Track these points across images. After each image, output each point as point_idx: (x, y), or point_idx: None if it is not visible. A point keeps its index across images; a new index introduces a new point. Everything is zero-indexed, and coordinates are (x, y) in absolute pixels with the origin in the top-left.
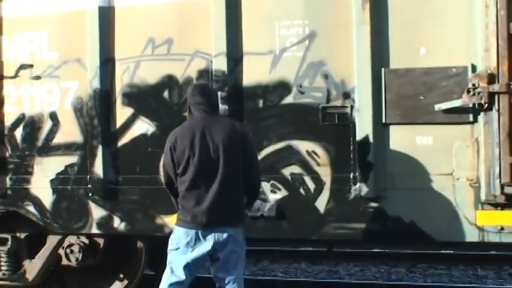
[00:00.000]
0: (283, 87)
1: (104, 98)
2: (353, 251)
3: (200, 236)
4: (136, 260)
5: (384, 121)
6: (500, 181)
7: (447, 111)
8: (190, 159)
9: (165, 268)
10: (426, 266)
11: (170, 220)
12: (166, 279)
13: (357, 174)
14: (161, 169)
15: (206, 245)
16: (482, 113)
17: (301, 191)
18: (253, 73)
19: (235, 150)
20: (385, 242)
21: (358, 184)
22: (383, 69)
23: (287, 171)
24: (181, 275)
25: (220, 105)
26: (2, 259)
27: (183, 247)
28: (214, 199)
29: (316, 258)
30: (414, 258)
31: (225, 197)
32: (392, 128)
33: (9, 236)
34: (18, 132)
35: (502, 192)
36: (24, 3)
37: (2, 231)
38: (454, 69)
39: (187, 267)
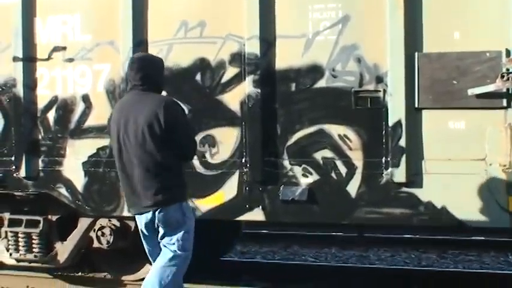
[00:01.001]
0: (315, 71)
1: None
2: (383, 236)
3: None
4: None
5: (416, 105)
6: None
7: (480, 96)
8: (116, 139)
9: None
10: (457, 252)
11: (200, 203)
12: None
13: (389, 159)
14: None
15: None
16: None
17: (333, 175)
18: (286, 56)
19: (157, 133)
20: (417, 227)
21: (390, 169)
22: (416, 53)
23: (319, 155)
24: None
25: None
26: (33, 241)
27: (141, 233)
28: (138, 182)
29: (347, 243)
30: (445, 244)
31: (149, 180)
32: (424, 113)
33: (41, 218)
34: (51, 115)
35: None
36: None
37: (34, 214)
38: (487, 54)
39: (148, 251)
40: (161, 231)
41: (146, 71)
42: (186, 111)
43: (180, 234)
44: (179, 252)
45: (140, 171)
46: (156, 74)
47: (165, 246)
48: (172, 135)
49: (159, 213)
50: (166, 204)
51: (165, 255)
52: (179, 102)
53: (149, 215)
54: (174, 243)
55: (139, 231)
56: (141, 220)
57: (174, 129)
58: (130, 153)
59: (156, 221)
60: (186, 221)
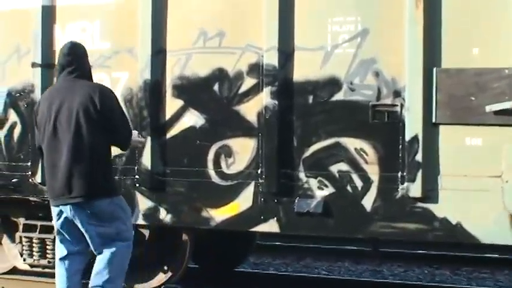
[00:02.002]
0: (333, 84)
1: (154, 89)
2: (397, 251)
3: (61, 210)
4: (181, 252)
5: (433, 121)
6: None
7: (498, 112)
8: (45, 126)
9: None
10: (471, 269)
11: (215, 213)
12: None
13: (405, 174)
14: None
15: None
16: None
17: (349, 188)
18: (304, 69)
19: (93, 118)
20: (431, 242)
21: (405, 183)
22: (435, 68)
23: (335, 168)
24: (62, 250)
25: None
26: (48, 247)
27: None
28: (66, 171)
29: (360, 257)
30: (458, 260)
31: (79, 168)
32: (442, 128)
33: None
34: None
35: None
36: None
37: (49, 219)
38: (506, 71)
39: (64, 241)
40: (92, 225)
41: (79, 57)
42: (204, 121)
43: (117, 225)
44: (120, 242)
45: (70, 159)
46: (86, 61)
47: (100, 238)
48: (108, 121)
49: (88, 205)
50: (100, 196)
51: (107, 248)
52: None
53: (75, 206)
54: (112, 235)
55: (56, 222)
56: (65, 211)
57: (110, 115)
58: (61, 141)
59: (85, 213)
60: (121, 212)
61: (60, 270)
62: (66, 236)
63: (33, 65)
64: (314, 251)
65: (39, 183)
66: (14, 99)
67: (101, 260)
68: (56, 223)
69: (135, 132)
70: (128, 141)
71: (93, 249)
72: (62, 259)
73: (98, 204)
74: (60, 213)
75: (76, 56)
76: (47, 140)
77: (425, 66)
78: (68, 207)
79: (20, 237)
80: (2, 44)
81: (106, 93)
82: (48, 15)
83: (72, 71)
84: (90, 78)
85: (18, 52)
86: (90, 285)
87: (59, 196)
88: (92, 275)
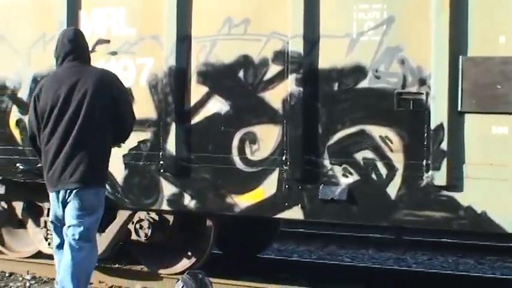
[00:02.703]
0: (358, 71)
1: (179, 76)
2: (421, 239)
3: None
4: (205, 238)
5: (459, 109)
6: None
7: None
8: (51, 112)
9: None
10: (495, 258)
11: (239, 200)
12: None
13: (429, 162)
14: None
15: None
16: None
17: (373, 176)
18: (330, 56)
19: (102, 104)
20: (456, 231)
21: (430, 172)
22: (461, 57)
23: (359, 156)
24: (60, 234)
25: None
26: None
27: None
28: (70, 156)
29: (384, 245)
30: (483, 250)
31: (82, 154)
32: (467, 117)
33: None
34: None
35: None
36: None
37: None
38: None
39: (58, 230)
40: (72, 213)
41: (81, 42)
42: (228, 108)
43: (90, 220)
44: (84, 243)
45: (75, 144)
46: (87, 46)
47: (71, 231)
48: (117, 108)
49: (78, 192)
50: (91, 184)
51: (72, 248)
52: None
53: (67, 192)
54: (81, 229)
55: (55, 205)
56: (60, 197)
57: (120, 102)
58: (68, 126)
59: (71, 200)
60: (99, 208)
61: (58, 258)
62: (59, 224)
63: None
64: (338, 238)
65: None
66: None
67: (68, 259)
68: (52, 210)
69: None
70: (130, 130)
71: (65, 236)
72: (58, 247)
73: (88, 193)
74: (57, 199)
75: (80, 42)
76: (52, 126)
77: (451, 54)
78: (64, 192)
79: (45, 221)
80: (28, 30)
81: (117, 80)
82: (74, 1)
83: (76, 57)
84: (89, 63)
85: (43, 38)
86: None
87: (59, 180)
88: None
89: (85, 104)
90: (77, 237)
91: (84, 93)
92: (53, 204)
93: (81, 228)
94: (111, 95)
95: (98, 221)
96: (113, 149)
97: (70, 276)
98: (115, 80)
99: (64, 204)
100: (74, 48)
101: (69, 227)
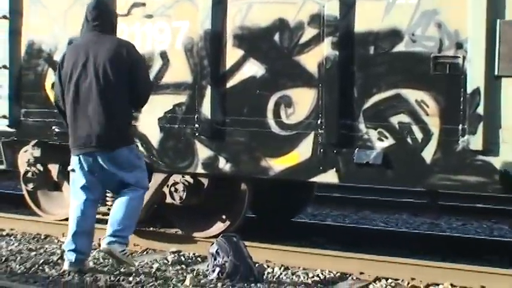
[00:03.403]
0: (395, 35)
1: (214, 39)
2: (455, 204)
3: (84, 159)
4: (239, 202)
5: (496, 73)
6: None
7: None
8: (71, 78)
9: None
10: None
11: (274, 163)
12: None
13: (465, 126)
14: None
15: (91, 167)
16: None
17: (409, 140)
18: (366, 19)
19: (118, 71)
20: (490, 196)
21: (466, 136)
22: (498, 20)
23: (395, 120)
24: (81, 196)
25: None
26: (108, 194)
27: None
28: (93, 121)
29: (418, 210)
30: None
31: (103, 119)
32: (504, 81)
33: None
34: None
35: None
36: None
37: None
38: None
39: (84, 188)
40: (114, 171)
41: (104, 12)
42: (264, 71)
43: (135, 173)
44: (138, 189)
45: (97, 110)
46: (112, 17)
47: (121, 184)
48: (133, 75)
49: (112, 153)
50: (122, 145)
51: (125, 194)
52: None
53: (100, 154)
54: (131, 182)
55: (79, 168)
56: (88, 159)
57: (136, 69)
58: (88, 93)
59: (108, 160)
60: (138, 161)
61: (75, 214)
62: (86, 183)
63: None
64: (372, 203)
65: None
66: None
67: (117, 208)
68: (78, 171)
69: None
70: (147, 96)
71: (112, 193)
72: (82, 203)
73: (119, 152)
74: (84, 160)
75: (101, 11)
76: (73, 93)
77: (488, 17)
78: (92, 155)
79: None
80: None
81: (133, 49)
82: None
83: (97, 25)
84: (114, 34)
85: (80, 1)
86: (106, 235)
87: (85, 144)
88: (108, 224)
89: (101, 72)
90: (130, 185)
91: (100, 61)
92: (77, 166)
93: (131, 180)
94: (126, 64)
95: (144, 171)
96: (148, 113)
97: (120, 226)
98: (130, 48)
99: (94, 166)
100: (96, 16)
101: (115, 183)
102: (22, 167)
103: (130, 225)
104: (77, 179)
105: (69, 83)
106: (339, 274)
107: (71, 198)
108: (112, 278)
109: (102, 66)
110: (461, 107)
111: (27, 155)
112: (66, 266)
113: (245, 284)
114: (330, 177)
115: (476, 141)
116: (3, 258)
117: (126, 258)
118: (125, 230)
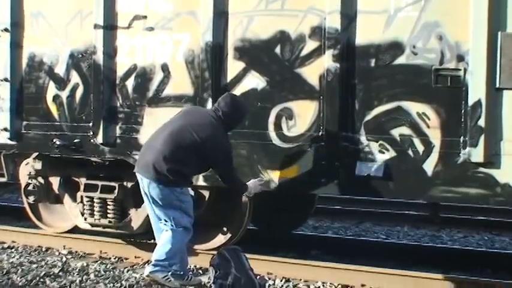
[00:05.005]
0: (396, 47)
1: (215, 51)
2: (457, 217)
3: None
4: (240, 214)
5: (497, 85)
6: None
7: None
8: (171, 123)
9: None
10: None
11: (275, 176)
12: None
13: (467, 139)
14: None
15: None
16: None
17: (410, 152)
18: (367, 32)
19: (195, 140)
20: (492, 208)
21: (467, 148)
22: (499, 32)
23: (396, 132)
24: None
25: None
26: (108, 207)
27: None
28: (155, 154)
29: (419, 222)
30: None
31: (164, 158)
32: (505, 93)
33: (116, 185)
34: (130, 83)
35: None
36: None
37: (110, 180)
38: None
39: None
40: (151, 200)
41: (233, 112)
42: (265, 83)
43: (168, 212)
44: (175, 227)
45: (163, 148)
46: (234, 119)
47: (159, 220)
48: (214, 168)
49: (153, 185)
50: (166, 183)
51: (164, 229)
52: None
53: (146, 182)
54: (167, 220)
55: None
56: (143, 181)
57: (215, 164)
58: (167, 136)
59: (150, 187)
60: (177, 203)
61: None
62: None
63: (96, 26)
64: (373, 215)
65: (101, 143)
66: (76, 60)
67: (159, 238)
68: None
69: (252, 183)
70: (232, 185)
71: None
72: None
73: (161, 188)
74: (141, 180)
75: (227, 105)
76: (160, 131)
77: (489, 30)
78: (145, 180)
79: (81, 196)
80: (65, 6)
81: (218, 144)
82: None
83: (220, 114)
84: (225, 126)
85: (80, 14)
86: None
87: (142, 168)
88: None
89: (182, 133)
90: (167, 224)
91: (191, 129)
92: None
93: (167, 218)
94: (204, 150)
95: (183, 212)
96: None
97: (163, 256)
98: (216, 145)
99: (144, 189)
100: (228, 111)
101: (152, 215)
102: (23, 179)
103: (171, 256)
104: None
105: (169, 122)
106: (340, 286)
107: None
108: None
109: (190, 127)
110: (463, 119)
111: (28, 167)
112: None
113: None
114: (331, 189)
115: (477, 154)
116: (5, 271)
117: (169, 283)
118: (166, 260)
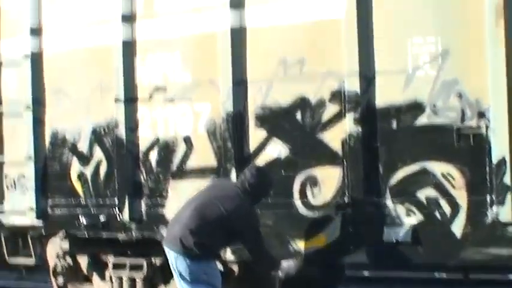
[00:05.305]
0: (416, 107)
1: (237, 120)
2: (489, 278)
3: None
4: (270, 286)
5: None
6: None
7: None
8: (199, 194)
9: None
10: None
11: (305, 245)
12: None
13: (493, 197)
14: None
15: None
16: None
17: (437, 214)
18: (386, 93)
19: (222, 213)
20: None
21: (495, 207)
22: None
23: (422, 194)
24: None
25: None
26: (137, 284)
27: None
28: (182, 227)
29: (451, 285)
30: None
31: (190, 231)
32: None
33: (144, 262)
34: (153, 156)
35: None
36: (156, 26)
37: (137, 256)
38: None
39: None
40: (176, 273)
41: (253, 179)
42: (287, 151)
43: (190, 286)
44: None
45: (189, 222)
46: (261, 191)
47: None
48: (242, 243)
49: (180, 259)
50: (191, 256)
51: None
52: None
53: (174, 255)
54: None
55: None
56: (170, 254)
57: (242, 239)
58: (194, 208)
59: (176, 260)
60: (203, 276)
61: None
62: None
63: (116, 100)
64: (404, 280)
65: (127, 220)
66: (98, 135)
67: None
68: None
69: (285, 265)
70: (262, 266)
71: None
72: None
73: (188, 263)
74: (168, 254)
75: (253, 176)
76: (187, 204)
77: (509, 85)
78: (172, 253)
79: (110, 275)
80: (84, 79)
81: (242, 214)
82: (128, 47)
83: (246, 188)
84: (251, 198)
85: (100, 86)
86: None
87: (171, 242)
88: None
89: (210, 206)
90: None
91: (220, 204)
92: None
93: None
94: (230, 222)
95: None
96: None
97: None
98: (241, 217)
99: (172, 263)
100: (253, 184)
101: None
102: (51, 260)
103: None
104: None
105: (196, 195)
106: None
107: None
108: None
109: (217, 207)
110: (488, 178)
111: (56, 247)
112: None
113: None
114: (358, 257)
115: (505, 212)
116: None
117: None
118: None
